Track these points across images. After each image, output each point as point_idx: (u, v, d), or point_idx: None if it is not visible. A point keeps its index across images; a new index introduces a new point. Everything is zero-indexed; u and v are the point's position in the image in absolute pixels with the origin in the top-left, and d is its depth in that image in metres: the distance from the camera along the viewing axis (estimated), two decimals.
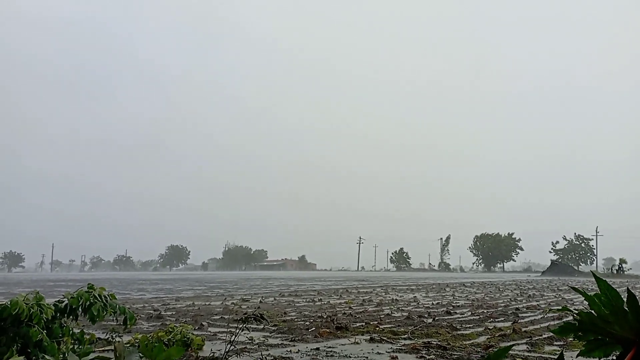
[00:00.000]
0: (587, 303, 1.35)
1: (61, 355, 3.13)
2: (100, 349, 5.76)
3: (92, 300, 3.34)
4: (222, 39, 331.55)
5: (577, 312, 1.31)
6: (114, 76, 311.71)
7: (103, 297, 3.47)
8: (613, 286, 1.31)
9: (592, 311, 1.27)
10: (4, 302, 3.09)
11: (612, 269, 72.80)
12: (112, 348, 5.69)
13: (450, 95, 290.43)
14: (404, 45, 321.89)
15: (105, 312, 3.46)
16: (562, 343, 6.63)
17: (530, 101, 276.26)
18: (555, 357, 5.68)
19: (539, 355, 5.79)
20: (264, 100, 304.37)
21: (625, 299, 1.21)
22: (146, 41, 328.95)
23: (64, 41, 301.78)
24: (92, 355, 2.45)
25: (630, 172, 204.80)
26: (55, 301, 3.47)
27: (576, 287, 24.61)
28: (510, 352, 5.77)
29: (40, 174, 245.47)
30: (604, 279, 1.31)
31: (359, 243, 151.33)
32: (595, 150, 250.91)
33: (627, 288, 1.29)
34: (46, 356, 2.77)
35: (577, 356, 1.33)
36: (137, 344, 4.82)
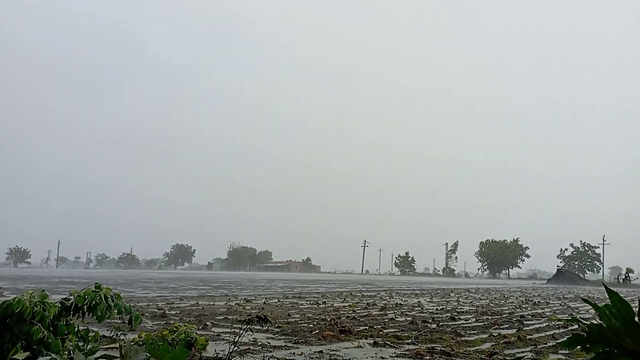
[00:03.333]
0: (596, 313, 1.34)
1: (66, 353, 3.14)
2: (105, 346, 5.78)
3: (98, 300, 3.36)
4: (233, 37, 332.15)
5: (587, 323, 1.30)
6: (123, 73, 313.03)
7: (109, 298, 3.48)
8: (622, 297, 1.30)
9: (602, 323, 1.26)
10: (8, 299, 3.10)
11: (618, 278, 72.26)
12: (117, 346, 5.71)
13: (459, 104, 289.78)
14: (418, 53, 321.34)
15: (109, 313, 3.48)
16: (566, 352, 6.59)
17: (540, 111, 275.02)
18: None
19: None
20: (273, 102, 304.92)
21: (636, 312, 1.20)
22: (156, 38, 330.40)
23: (74, 36, 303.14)
24: (98, 354, 2.46)
25: (638, 182, 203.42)
26: (62, 299, 3.48)
27: (584, 296, 24.31)
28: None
29: (48, 170, 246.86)
30: (614, 290, 1.30)
31: (364, 246, 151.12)
32: (604, 161, 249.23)
33: (639, 299, 1.27)
34: (52, 354, 2.78)
35: None
36: (141, 343, 4.83)
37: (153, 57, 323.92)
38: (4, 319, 2.97)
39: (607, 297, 1.30)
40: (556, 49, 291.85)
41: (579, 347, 1.34)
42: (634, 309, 1.23)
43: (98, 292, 3.46)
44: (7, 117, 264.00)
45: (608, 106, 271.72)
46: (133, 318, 3.83)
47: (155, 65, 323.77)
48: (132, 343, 5.24)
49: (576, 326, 9.49)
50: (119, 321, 6.95)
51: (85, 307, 3.41)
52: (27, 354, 2.77)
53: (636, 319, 1.20)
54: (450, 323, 9.76)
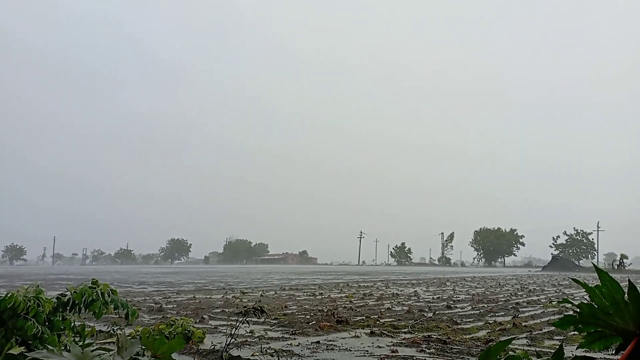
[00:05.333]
0: (588, 295, 1.34)
1: (62, 347, 3.13)
2: (102, 341, 5.78)
3: (95, 297, 3.35)
4: (234, 35, 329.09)
5: (577, 304, 1.30)
6: (119, 71, 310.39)
7: (106, 294, 3.49)
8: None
9: (593, 303, 1.27)
10: (1, 295, 3.09)
11: (613, 264, 72.76)
12: (114, 340, 5.71)
13: (454, 96, 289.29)
14: (412, 45, 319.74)
15: (106, 309, 3.48)
16: (561, 337, 6.65)
17: (535, 103, 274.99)
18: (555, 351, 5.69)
19: (539, 349, 5.81)
20: (267, 96, 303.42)
21: (626, 291, 1.21)
22: (155, 36, 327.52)
23: (73, 35, 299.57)
24: (92, 347, 2.47)
25: (632, 169, 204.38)
26: (59, 294, 3.48)
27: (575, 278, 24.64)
28: (510, 346, 5.78)
29: (43, 168, 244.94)
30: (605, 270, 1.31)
31: (360, 238, 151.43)
32: (598, 150, 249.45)
33: (629, 279, 1.28)
34: (49, 346, 2.78)
35: (577, 348, 1.33)
36: (138, 336, 4.84)
37: (152, 55, 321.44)
38: None
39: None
40: (554, 43, 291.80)
41: (572, 327, 1.35)
42: (623, 289, 1.24)
43: (95, 288, 3.46)
44: (4, 116, 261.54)
45: (602, 97, 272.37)
46: (130, 313, 3.83)
47: (153, 63, 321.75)
48: (129, 337, 5.25)
49: (570, 312, 9.57)
50: (116, 316, 6.95)
51: (82, 303, 3.40)
52: (22, 349, 2.77)
53: (625, 298, 1.21)
54: (446, 312, 9.82)
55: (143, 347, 2.50)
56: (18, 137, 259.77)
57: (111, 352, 2.43)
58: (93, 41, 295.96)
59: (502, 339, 6.54)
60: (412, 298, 13.45)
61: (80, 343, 3.44)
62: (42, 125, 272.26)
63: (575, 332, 1.30)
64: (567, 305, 10.58)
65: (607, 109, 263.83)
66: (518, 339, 6.46)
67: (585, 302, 1.34)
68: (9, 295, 2.96)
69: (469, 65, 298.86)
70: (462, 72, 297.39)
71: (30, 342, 2.97)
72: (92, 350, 2.31)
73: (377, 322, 7.92)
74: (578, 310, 1.30)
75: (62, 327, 3.39)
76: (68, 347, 3.07)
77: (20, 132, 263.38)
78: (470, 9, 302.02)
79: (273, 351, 5.49)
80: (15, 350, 2.72)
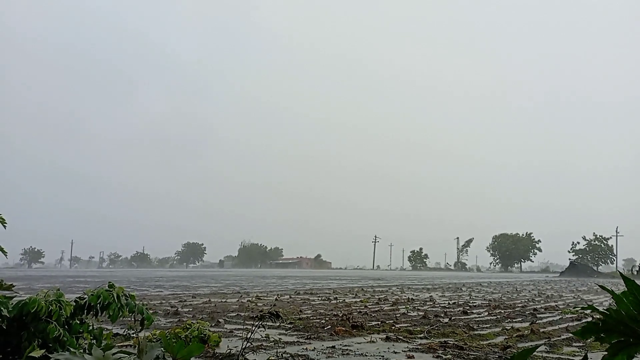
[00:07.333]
0: (614, 302, 1.32)
1: (81, 351, 3.17)
2: (119, 344, 5.83)
3: (110, 300, 3.39)
4: (245, 37, 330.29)
5: (605, 309, 1.28)
6: (135, 73, 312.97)
7: (122, 297, 3.52)
8: None
9: (620, 310, 1.25)
10: (24, 298, 3.14)
11: (632, 270, 71.51)
12: (130, 344, 5.76)
13: (470, 100, 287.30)
14: (428, 50, 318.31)
15: (122, 312, 3.51)
16: (581, 344, 6.54)
17: (550, 105, 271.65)
18: (575, 358, 5.60)
19: (558, 356, 5.72)
20: (281, 98, 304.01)
21: None
22: (167, 37, 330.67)
23: (86, 35, 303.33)
24: (113, 350, 2.49)
25: None
26: (76, 297, 3.52)
27: (601, 284, 24.15)
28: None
29: (61, 171, 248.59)
30: (631, 278, 1.29)
31: (375, 242, 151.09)
32: (616, 152, 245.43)
33: None
34: (71, 349, 2.81)
35: (602, 359, 1.30)
36: (155, 340, 4.86)
37: (166, 57, 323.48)
38: (20, 317, 3.01)
39: (621, 289, 1.28)
40: (566, 42, 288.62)
41: (593, 337, 1.32)
42: None
43: (111, 291, 3.49)
44: (20, 118, 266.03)
45: (618, 98, 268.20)
46: (145, 319, 3.85)
47: (167, 65, 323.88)
48: (148, 341, 5.29)
49: (589, 319, 9.41)
50: (132, 320, 7.00)
51: (98, 306, 3.44)
52: (42, 351, 2.81)
53: None
54: (462, 317, 9.73)
55: (163, 350, 2.51)
56: (37, 139, 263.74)
57: (132, 355, 2.45)
58: (108, 43, 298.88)
59: (520, 345, 6.45)
60: (428, 303, 13.35)
61: (99, 346, 3.48)
62: (61, 128, 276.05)
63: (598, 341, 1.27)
64: (586, 312, 10.40)
65: (621, 108, 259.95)
66: (538, 346, 6.37)
67: (612, 308, 1.32)
68: (31, 300, 3.00)
69: (485, 68, 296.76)
70: (477, 75, 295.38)
71: (50, 345, 3.01)
72: (113, 354, 2.33)
73: (393, 327, 7.88)
74: (603, 317, 1.28)
75: (80, 330, 3.43)
76: (86, 351, 3.10)
77: (40, 134, 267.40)
78: (474, 12, 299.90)
79: (289, 355, 5.49)
80: (37, 353, 2.76)
